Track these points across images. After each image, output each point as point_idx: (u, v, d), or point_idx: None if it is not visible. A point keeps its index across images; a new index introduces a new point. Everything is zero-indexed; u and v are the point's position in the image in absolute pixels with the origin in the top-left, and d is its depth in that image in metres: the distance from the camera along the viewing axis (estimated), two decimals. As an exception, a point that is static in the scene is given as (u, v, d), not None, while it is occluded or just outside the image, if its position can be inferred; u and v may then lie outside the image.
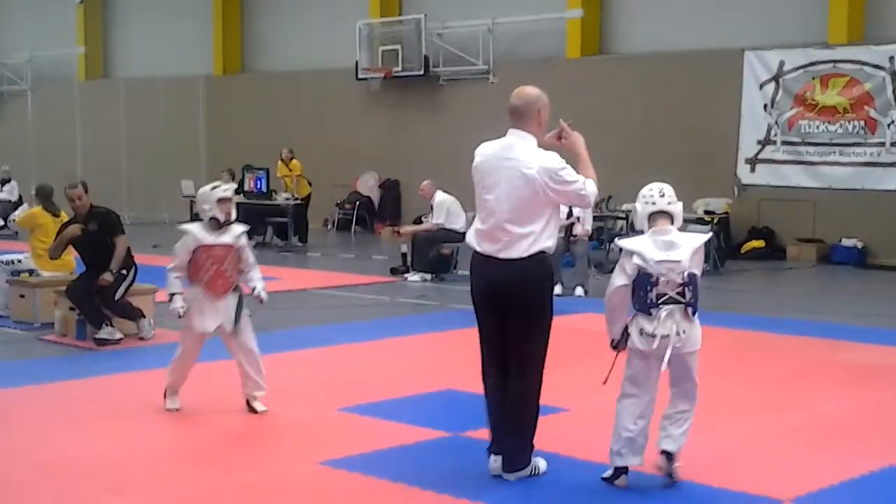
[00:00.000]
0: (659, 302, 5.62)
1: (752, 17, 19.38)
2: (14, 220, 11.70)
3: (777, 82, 18.84)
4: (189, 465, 6.25)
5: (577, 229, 14.06)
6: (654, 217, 5.75)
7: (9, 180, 23.11)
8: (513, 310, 5.88)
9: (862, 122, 17.97)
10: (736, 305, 12.98)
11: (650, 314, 5.63)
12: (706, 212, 17.30)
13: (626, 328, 5.77)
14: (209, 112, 27.64)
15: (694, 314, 5.68)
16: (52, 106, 29.43)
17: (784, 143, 18.80)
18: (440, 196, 15.35)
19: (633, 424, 5.76)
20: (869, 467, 6.16)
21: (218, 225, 7.41)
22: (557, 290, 13.67)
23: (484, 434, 6.67)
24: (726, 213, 17.95)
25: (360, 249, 20.08)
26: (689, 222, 18.20)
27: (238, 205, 20.69)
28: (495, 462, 5.98)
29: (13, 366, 9.31)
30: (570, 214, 13.55)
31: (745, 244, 18.51)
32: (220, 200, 7.40)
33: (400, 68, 23.17)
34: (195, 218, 23.40)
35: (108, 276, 9.90)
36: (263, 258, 18.43)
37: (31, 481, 5.92)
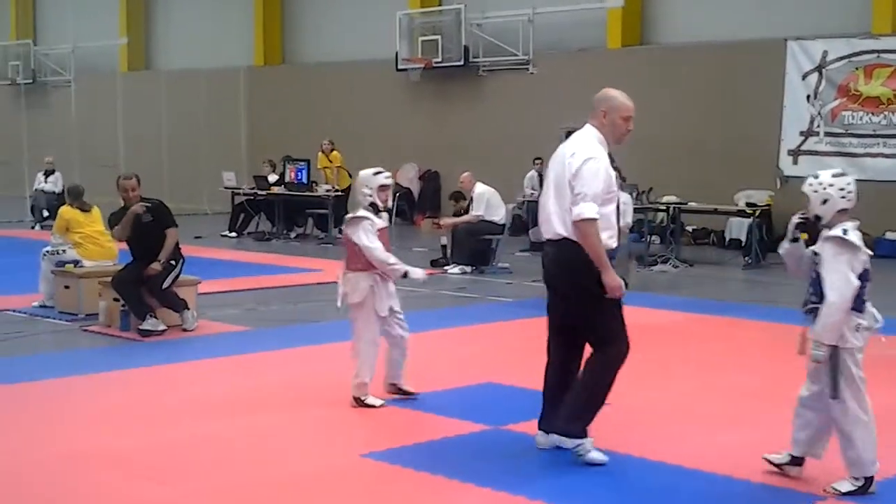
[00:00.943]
0: (866, 297, 5.59)
1: (795, 7, 19.20)
2: (54, 233, 11.90)
3: (820, 73, 18.66)
4: (229, 456, 6.29)
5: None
6: (844, 210, 5.59)
7: (53, 171, 23.34)
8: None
9: (906, 113, 17.78)
10: (778, 299, 12.89)
11: (862, 311, 5.58)
12: (748, 203, 17.17)
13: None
14: (250, 103, 27.77)
15: None
16: (95, 97, 29.67)
17: (827, 134, 18.63)
18: (480, 188, 15.34)
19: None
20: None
21: (376, 210, 7.46)
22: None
23: (524, 427, 6.70)
24: (768, 205, 17.80)
25: (400, 241, 20.07)
26: (730, 214, 18.16)
27: (278, 195, 21.04)
28: (538, 435, 6.29)
29: (58, 357, 9.43)
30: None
31: (787, 236, 18.34)
32: (382, 187, 7.48)
33: (440, 59, 23.17)
34: (236, 208, 23.34)
35: (156, 266, 10.02)
36: (303, 250, 18.63)
37: (74, 469, 6.00)
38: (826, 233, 5.55)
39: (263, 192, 20.53)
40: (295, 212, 20.70)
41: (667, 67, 20.43)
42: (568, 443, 6.04)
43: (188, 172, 27.31)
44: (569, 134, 6.23)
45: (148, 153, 28.02)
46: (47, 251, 11.69)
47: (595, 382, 6.04)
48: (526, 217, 19.10)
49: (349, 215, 7.58)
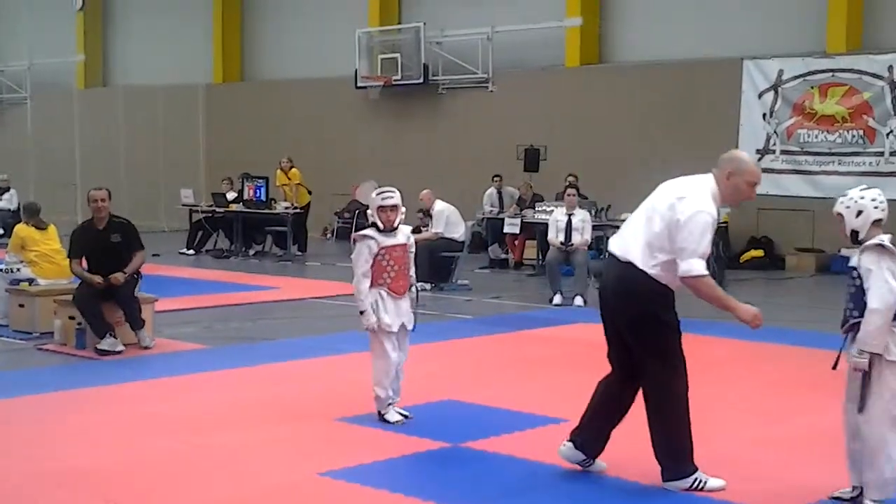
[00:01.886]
0: None
1: (751, 26, 19.42)
2: (9, 252, 11.76)
3: (776, 91, 18.88)
4: (187, 477, 6.23)
5: (576, 239, 14.07)
6: (878, 221, 5.56)
7: (8, 189, 23.11)
8: None
9: (861, 132, 18.01)
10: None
11: None
12: (705, 221, 17.24)
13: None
14: (208, 120, 27.67)
15: None
16: (52, 114, 29.45)
17: (783, 152, 18.84)
18: (439, 205, 15.36)
19: None
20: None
21: (380, 229, 7.39)
22: (557, 299, 13.68)
23: (484, 445, 6.69)
24: (725, 222, 17.91)
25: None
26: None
27: (237, 213, 20.91)
28: (564, 446, 6.12)
29: (13, 375, 9.30)
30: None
31: (744, 254, 18.48)
32: (380, 208, 7.37)
33: (399, 76, 23.22)
34: (194, 226, 23.21)
35: (119, 276, 9.91)
36: (262, 267, 18.55)
37: (30, 492, 5.90)
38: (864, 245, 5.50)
39: (222, 210, 20.43)
40: (253, 229, 20.61)
41: (625, 86, 20.59)
42: (684, 484, 5.84)
43: (146, 189, 27.13)
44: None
45: (105, 170, 27.75)
46: (1, 269, 11.56)
47: (670, 416, 5.88)
48: (485, 234, 19.13)
49: (357, 233, 7.54)
